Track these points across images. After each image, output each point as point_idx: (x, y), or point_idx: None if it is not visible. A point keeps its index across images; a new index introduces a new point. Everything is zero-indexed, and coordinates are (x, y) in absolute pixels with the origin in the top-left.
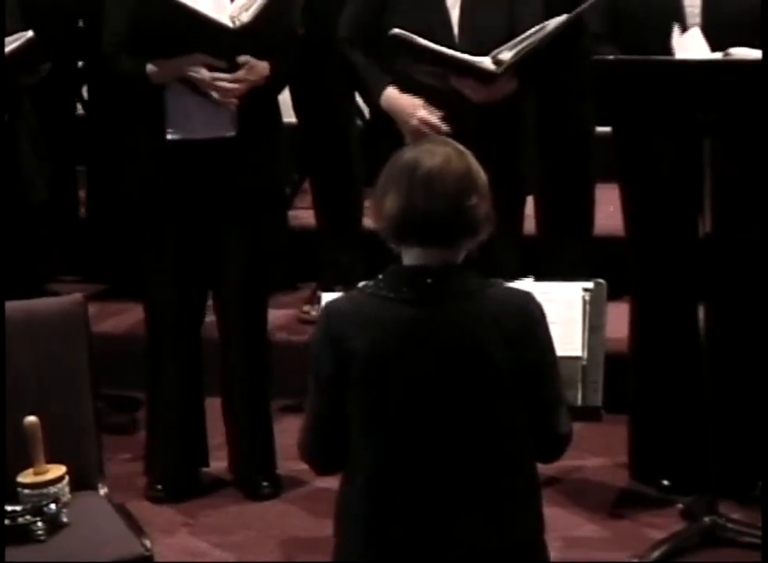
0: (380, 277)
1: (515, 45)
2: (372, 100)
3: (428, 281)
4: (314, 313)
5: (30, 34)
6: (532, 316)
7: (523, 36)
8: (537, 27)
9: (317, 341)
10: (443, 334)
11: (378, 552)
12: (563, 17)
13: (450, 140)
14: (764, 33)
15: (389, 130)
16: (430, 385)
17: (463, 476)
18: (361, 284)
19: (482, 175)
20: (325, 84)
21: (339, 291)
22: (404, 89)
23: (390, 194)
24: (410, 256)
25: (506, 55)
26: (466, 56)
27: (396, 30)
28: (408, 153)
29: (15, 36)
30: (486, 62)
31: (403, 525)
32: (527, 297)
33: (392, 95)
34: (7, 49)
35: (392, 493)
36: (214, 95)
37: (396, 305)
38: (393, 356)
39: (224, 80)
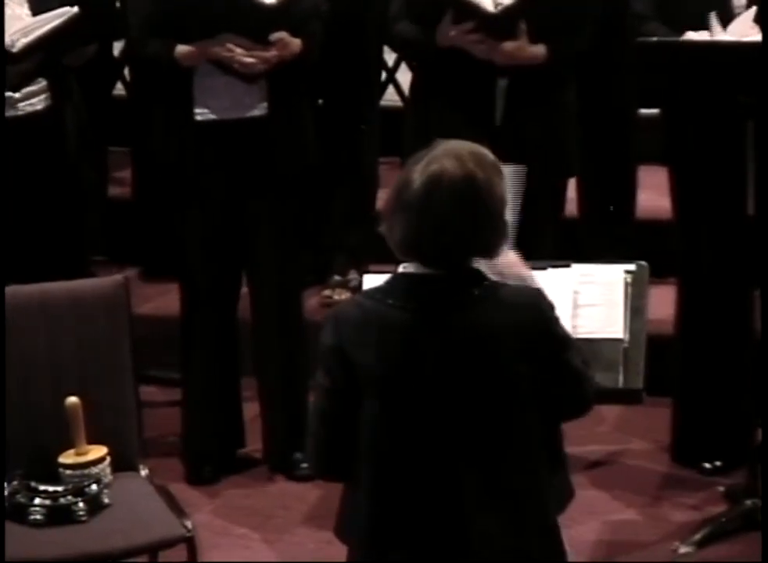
0: (387, 283)
1: None
2: (431, 43)
3: (436, 289)
4: (336, 296)
5: (74, 10)
6: (545, 314)
7: None
8: None
9: (326, 349)
10: (452, 343)
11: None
12: None
13: (468, 149)
14: (764, 31)
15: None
16: (439, 396)
17: (472, 485)
18: (368, 288)
19: (495, 189)
20: (346, 61)
21: (379, 273)
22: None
23: (397, 219)
24: (417, 264)
25: None
26: None
27: None
28: (416, 176)
29: (59, 11)
30: (486, 2)
31: (408, 533)
32: (537, 296)
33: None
34: (50, 25)
35: (396, 503)
36: (242, 61)
37: (404, 314)
38: (401, 368)
39: (258, 57)
